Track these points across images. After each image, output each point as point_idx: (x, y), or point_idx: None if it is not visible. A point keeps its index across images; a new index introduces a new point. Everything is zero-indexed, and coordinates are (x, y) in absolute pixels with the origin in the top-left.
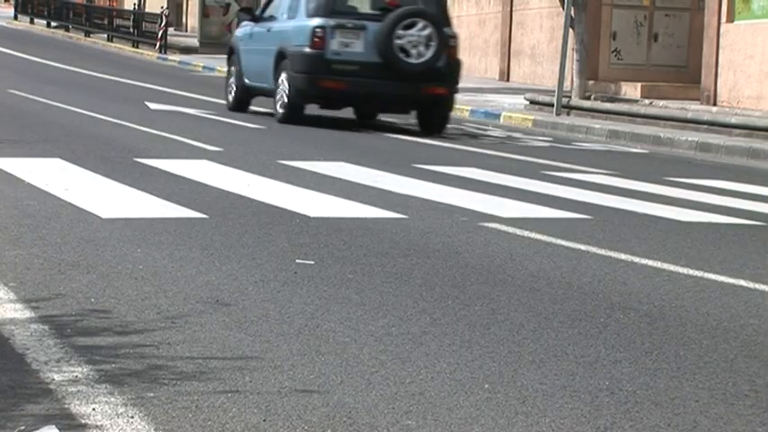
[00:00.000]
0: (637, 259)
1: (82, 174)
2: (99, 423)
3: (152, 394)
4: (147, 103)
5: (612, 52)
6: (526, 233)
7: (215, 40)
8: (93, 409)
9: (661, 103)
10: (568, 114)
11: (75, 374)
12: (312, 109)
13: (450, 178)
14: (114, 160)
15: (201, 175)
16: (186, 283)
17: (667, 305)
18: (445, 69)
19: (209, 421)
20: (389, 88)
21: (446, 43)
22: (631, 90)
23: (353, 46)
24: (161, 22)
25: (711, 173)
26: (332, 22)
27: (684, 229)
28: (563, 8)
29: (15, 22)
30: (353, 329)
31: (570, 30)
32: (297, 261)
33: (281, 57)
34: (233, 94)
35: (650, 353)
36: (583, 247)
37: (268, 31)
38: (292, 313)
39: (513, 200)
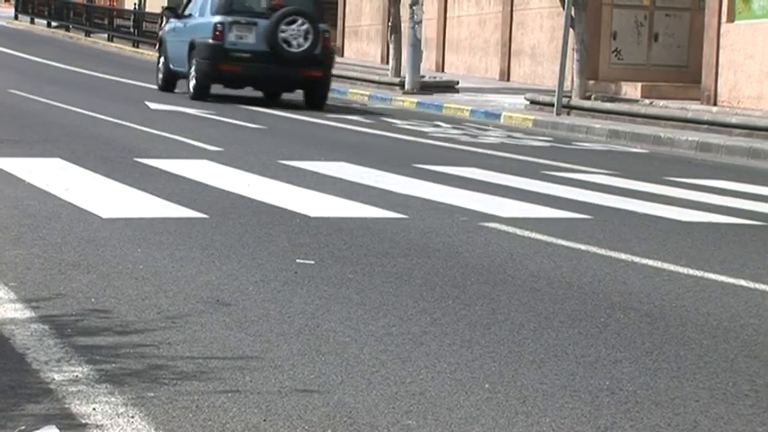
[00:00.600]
0: (637, 259)
1: (82, 174)
2: (99, 423)
3: (152, 394)
4: (147, 102)
5: (613, 52)
6: (526, 233)
7: None
8: (94, 409)
9: (661, 102)
10: (569, 114)
11: (75, 374)
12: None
13: (450, 178)
14: (114, 160)
15: (202, 175)
16: (186, 283)
17: (668, 305)
18: (321, 57)
19: (209, 421)
20: (276, 72)
21: (321, 36)
22: (632, 90)
23: (247, 38)
24: (161, 21)
25: (712, 173)
26: (229, 18)
27: (685, 229)
28: (563, 8)
29: (16, 21)
30: (354, 329)
31: (570, 30)
32: (297, 261)
33: (192, 47)
34: (161, 77)
35: (650, 353)
36: (583, 247)
37: (185, 26)
38: (293, 313)
39: (513, 200)
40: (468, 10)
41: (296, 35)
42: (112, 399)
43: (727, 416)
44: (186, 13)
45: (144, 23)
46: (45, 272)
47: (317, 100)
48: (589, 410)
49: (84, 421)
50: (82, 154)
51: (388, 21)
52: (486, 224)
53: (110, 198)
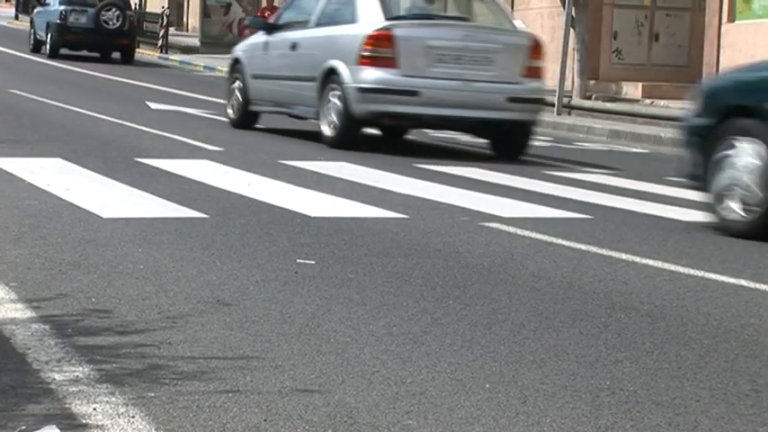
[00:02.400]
0: (638, 259)
1: (83, 173)
2: (100, 423)
3: (153, 394)
4: (147, 102)
5: (613, 52)
6: (527, 233)
7: (216, 40)
8: (94, 409)
9: (662, 102)
10: (569, 114)
11: (75, 374)
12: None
13: (451, 178)
14: (115, 160)
15: (202, 175)
16: (187, 283)
17: (668, 305)
18: (127, 32)
19: (209, 421)
20: (99, 40)
21: (128, 19)
22: (632, 90)
23: (81, 20)
24: (162, 21)
25: None
26: (70, 7)
27: (685, 229)
28: (564, 8)
29: (16, 21)
30: (354, 329)
31: (571, 30)
32: (298, 261)
33: (48, 25)
34: (32, 42)
35: (651, 353)
36: (584, 247)
37: (45, 10)
38: (293, 313)
39: (514, 200)
40: None
41: (111, 18)
42: (113, 399)
43: (727, 416)
44: (46, 2)
45: (144, 23)
46: (45, 272)
47: (126, 58)
48: (590, 410)
49: (84, 421)
50: (82, 154)
51: None
52: (487, 224)
53: (110, 198)
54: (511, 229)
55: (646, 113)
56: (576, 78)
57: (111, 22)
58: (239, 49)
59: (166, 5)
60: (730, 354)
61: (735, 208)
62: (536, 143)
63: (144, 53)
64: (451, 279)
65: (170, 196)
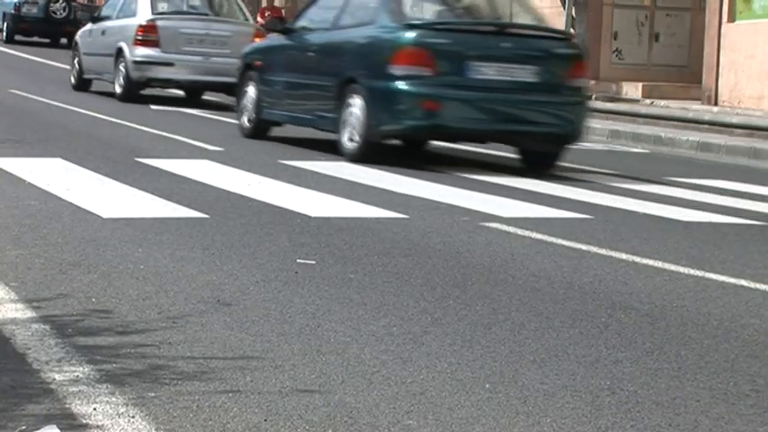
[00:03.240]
0: (638, 259)
1: (83, 173)
2: (100, 423)
3: (153, 394)
4: (152, 106)
5: (614, 52)
6: (527, 233)
7: None
8: (95, 409)
9: (662, 102)
10: None
11: (76, 374)
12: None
13: (451, 178)
14: (115, 160)
15: (202, 175)
16: (187, 283)
17: (668, 305)
18: (73, 20)
19: (210, 421)
20: (49, 27)
21: (73, 9)
22: (632, 90)
23: (33, 11)
24: None
25: (712, 173)
26: (23, 1)
27: (686, 229)
28: (564, 8)
29: None
30: (354, 329)
31: (571, 30)
32: (298, 261)
33: (4, 15)
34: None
35: (651, 353)
36: (584, 247)
37: (1, 3)
38: (293, 313)
39: (513, 200)
40: None
41: (59, 9)
42: (113, 399)
43: (727, 416)
44: None
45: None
46: (46, 272)
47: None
48: (590, 410)
49: (84, 421)
50: (83, 154)
51: None
52: (487, 224)
53: (110, 198)
54: (511, 229)
55: (646, 113)
56: None
57: (59, 13)
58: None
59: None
60: (730, 354)
61: None
62: None
63: None
64: (451, 279)
65: (170, 196)
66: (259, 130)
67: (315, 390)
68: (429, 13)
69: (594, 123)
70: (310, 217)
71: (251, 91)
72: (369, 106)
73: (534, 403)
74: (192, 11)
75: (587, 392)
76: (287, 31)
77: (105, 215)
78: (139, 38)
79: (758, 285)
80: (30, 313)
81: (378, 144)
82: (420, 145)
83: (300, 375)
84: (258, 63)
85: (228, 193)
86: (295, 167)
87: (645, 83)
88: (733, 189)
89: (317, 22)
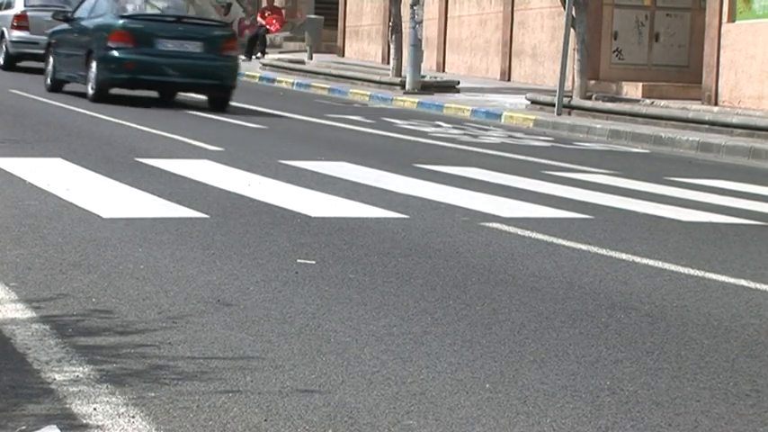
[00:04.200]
0: (638, 259)
1: (83, 173)
2: (100, 423)
3: (153, 394)
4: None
5: (614, 52)
6: (527, 233)
7: None
8: (95, 409)
9: (662, 102)
10: (570, 114)
11: (76, 374)
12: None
13: (451, 178)
14: (115, 160)
15: (202, 175)
16: (187, 283)
17: (669, 305)
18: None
19: (210, 421)
20: None
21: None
22: (633, 90)
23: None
24: None
25: (713, 173)
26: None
27: (686, 229)
28: (564, 8)
29: None
30: (355, 329)
31: (571, 29)
32: (298, 261)
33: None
34: None
35: (651, 353)
36: (584, 247)
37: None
38: (293, 313)
39: (514, 200)
40: (468, 10)
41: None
42: (113, 399)
43: (728, 416)
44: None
45: None
46: (46, 272)
47: None
48: (590, 410)
49: (84, 421)
50: (83, 154)
51: (389, 21)
52: (487, 224)
53: (111, 198)
54: (511, 229)
55: (646, 113)
56: (576, 78)
57: None
58: None
59: None
60: (730, 354)
61: None
62: (536, 143)
63: None
64: (452, 279)
65: (170, 196)
66: (56, 86)
67: (315, 390)
68: (136, 9)
69: (594, 123)
70: (310, 217)
71: (50, 60)
72: (98, 68)
73: (534, 403)
74: (52, 4)
75: (587, 392)
76: (68, 20)
77: (105, 215)
78: (15, 24)
79: (758, 285)
80: (30, 313)
81: (105, 91)
82: (170, 96)
83: (300, 375)
84: (53, 41)
85: (228, 193)
86: (295, 167)
87: (645, 83)
88: (733, 189)
89: (82, 12)
